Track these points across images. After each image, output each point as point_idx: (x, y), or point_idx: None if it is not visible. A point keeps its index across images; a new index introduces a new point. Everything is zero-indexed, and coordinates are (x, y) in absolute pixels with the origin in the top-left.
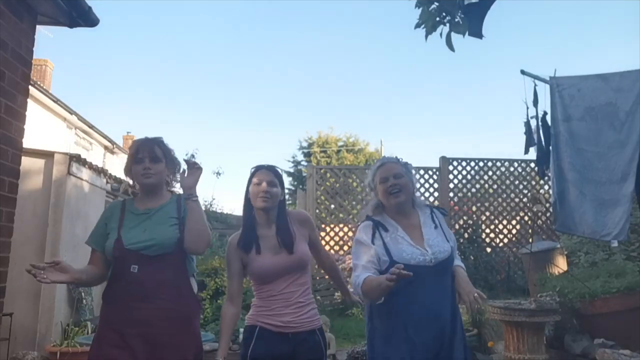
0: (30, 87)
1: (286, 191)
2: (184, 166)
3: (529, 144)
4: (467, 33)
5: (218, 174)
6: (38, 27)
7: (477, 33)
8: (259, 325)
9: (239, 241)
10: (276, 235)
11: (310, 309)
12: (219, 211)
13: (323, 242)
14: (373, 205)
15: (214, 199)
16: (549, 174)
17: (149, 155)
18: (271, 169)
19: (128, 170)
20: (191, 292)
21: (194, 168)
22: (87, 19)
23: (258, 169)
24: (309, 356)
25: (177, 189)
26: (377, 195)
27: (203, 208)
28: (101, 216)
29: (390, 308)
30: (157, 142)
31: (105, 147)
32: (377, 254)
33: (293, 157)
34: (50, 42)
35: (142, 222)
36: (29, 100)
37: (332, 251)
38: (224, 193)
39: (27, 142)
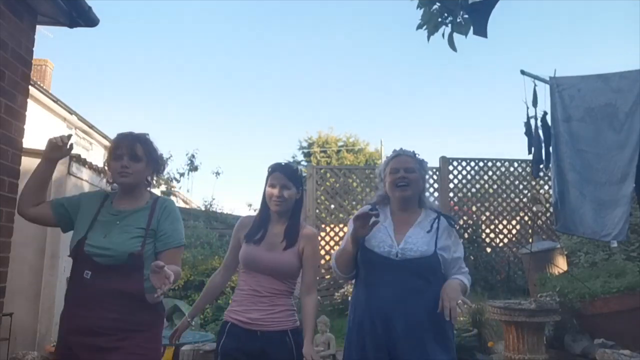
0: (30, 87)
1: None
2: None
3: (531, 143)
4: (469, 33)
5: (217, 174)
6: (38, 27)
7: (482, 32)
8: (230, 321)
9: (247, 234)
10: (284, 233)
11: (282, 309)
12: (219, 211)
13: (323, 242)
14: (378, 197)
15: (213, 199)
16: (549, 174)
17: (128, 152)
18: (286, 171)
19: (107, 165)
20: (144, 306)
21: (161, 277)
22: (87, 18)
23: (274, 169)
24: (278, 356)
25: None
26: (384, 187)
27: (203, 208)
28: (81, 194)
29: (355, 299)
30: (140, 140)
31: (105, 147)
32: None
33: (293, 157)
34: (50, 42)
35: (108, 225)
36: (29, 100)
37: (332, 251)
38: (224, 193)
39: (27, 142)
